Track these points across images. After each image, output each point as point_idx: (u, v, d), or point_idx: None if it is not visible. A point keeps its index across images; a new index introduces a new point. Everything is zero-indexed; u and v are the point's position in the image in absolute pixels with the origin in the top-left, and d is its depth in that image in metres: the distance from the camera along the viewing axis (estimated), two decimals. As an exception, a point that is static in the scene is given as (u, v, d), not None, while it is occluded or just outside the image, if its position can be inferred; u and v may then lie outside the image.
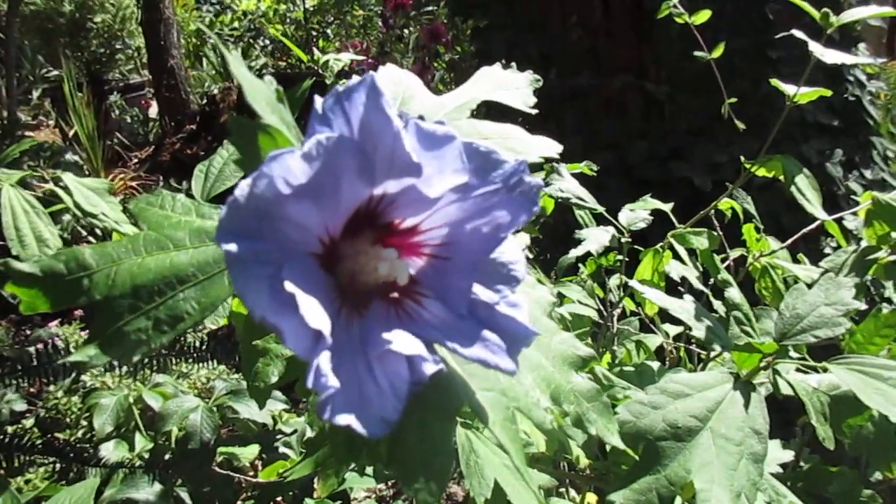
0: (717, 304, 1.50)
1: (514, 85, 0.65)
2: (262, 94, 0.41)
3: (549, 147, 0.58)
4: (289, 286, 0.36)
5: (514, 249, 0.45)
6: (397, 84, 0.61)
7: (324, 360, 0.37)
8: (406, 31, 5.47)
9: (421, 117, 0.41)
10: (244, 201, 0.36)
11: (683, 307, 0.90)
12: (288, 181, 0.36)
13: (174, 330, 0.48)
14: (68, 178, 1.38)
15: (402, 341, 0.39)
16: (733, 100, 1.60)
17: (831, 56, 1.11)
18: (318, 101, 0.39)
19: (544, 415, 0.48)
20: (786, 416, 1.50)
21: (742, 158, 1.32)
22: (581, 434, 1.13)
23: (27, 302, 0.51)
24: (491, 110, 1.66)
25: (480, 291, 0.44)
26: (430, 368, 0.39)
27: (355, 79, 0.39)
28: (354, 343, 0.41)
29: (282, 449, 2.04)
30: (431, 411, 0.43)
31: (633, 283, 0.99)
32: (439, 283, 0.44)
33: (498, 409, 0.44)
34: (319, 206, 0.39)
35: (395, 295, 0.45)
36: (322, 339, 0.36)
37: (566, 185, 1.55)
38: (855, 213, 1.58)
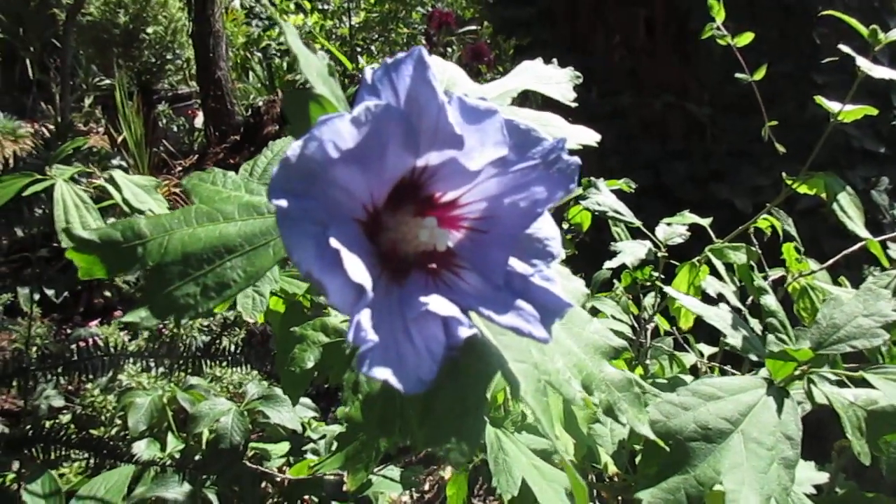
0: (754, 323, 1.48)
1: (554, 79, 0.66)
2: (314, 67, 0.43)
3: (588, 135, 0.59)
4: (334, 242, 0.37)
5: (550, 226, 0.47)
6: (442, 72, 0.63)
7: (364, 317, 0.38)
8: (449, 49, 5.54)
9: (465, 94, 0.43)
10: (295, 161, 0.38)
11: (719, 315, 0.90)
12: (337, 144, 0.38)
13: (220, 296, 0.50)
14: (118, 174, 1.43)
15: (439, 303, 0.41)
16: (774, 122, 1.59)
17: (879, 71, 1.10)
18: (368, 71, 0.41)
19: (574, 391, 0.49)
20: (823, 444, 1.48)
21: (784, 175, 1.32)
22: (610, 442, 1.13)
23: (85, 268, 0.54)
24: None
25: (516, 264, 0.45)
26: (464, 332, 0.41)
27: (403, 52, 0.41)
28: (393, 307, 0.42)
29: (309, 455, 2.06)
30: (465, 377, 0.44)
31: (668, 289, 0.99)
32: (477, 256, 0.46)
33: (530, 380, 0.45)
34: (365, 171, 0.40)
35: (434, 266, 0.46)
36: (364, 295, 0.38)
37: (603, 198, 1.56)
38: (898, 239, 1.55)
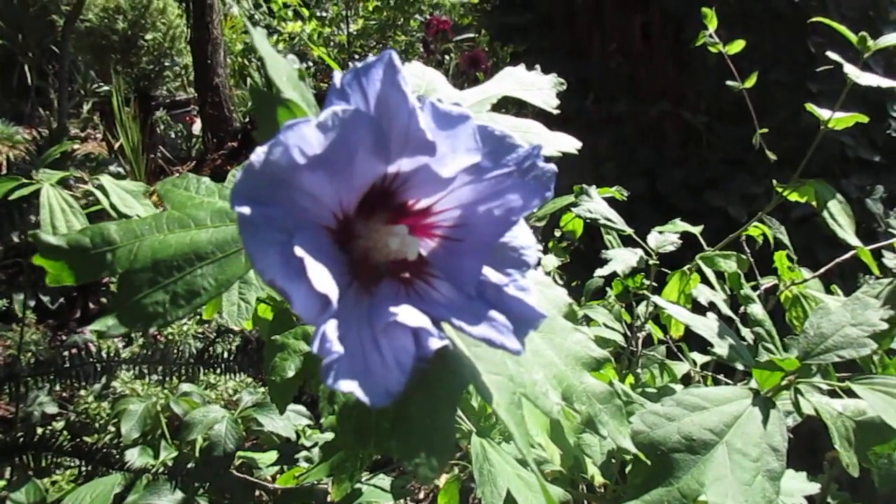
0: (746, 332, 1.47)
1: (537, 85, 0.65)
2: (283, 70, 0.42)
3: (567, 142, 0.59)
4: (298, 251, 0.36)
5: (526, 234, 0.46)
6: (420, 77, 0.62)
7: (330, 327, 0.37)
8: (447, 56, 5.54)
9: (439, 100, 0.42)
10: (259, 167, 0.37)
11: (707, 324, 0.89)
12: (303, 150, 0.37)
13: (190, 304, 0.49)
14: (106, 179, 1.42)
15: (408, 314, 0.40)
16: (764, 130, 1.59)
17: (866, 78, 1.10)
18: (338, 76, 0.40)
19: (551, 403, 0.48)
20: (817, 455, 1.46)
21: (774, 182, 1.31)
22: (599, 453, 1.12)
23: (53, 274, 0.53)
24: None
25: (490, 273, 0.44)
26: (435, 343, 0.40)
27: (374, 57, 0.40)
28: (362, 317, 0.41)
29: (301, 463, 2.04)
30: (436, 390, 0.43)
31: (656, 298, 0.98)
32: (450, 265, 0.45)
33: (504, 392, 0.44)
34: (333, 178, 0.39)
35: (406, 275, 0.45)
36: (329, 306, 0.37)
37: (595, 206, 1.55)
38: (893, 249, 1.54)
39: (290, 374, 0.78)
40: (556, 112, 0.63)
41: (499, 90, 0.63)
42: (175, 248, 0.50)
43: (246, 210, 0.36)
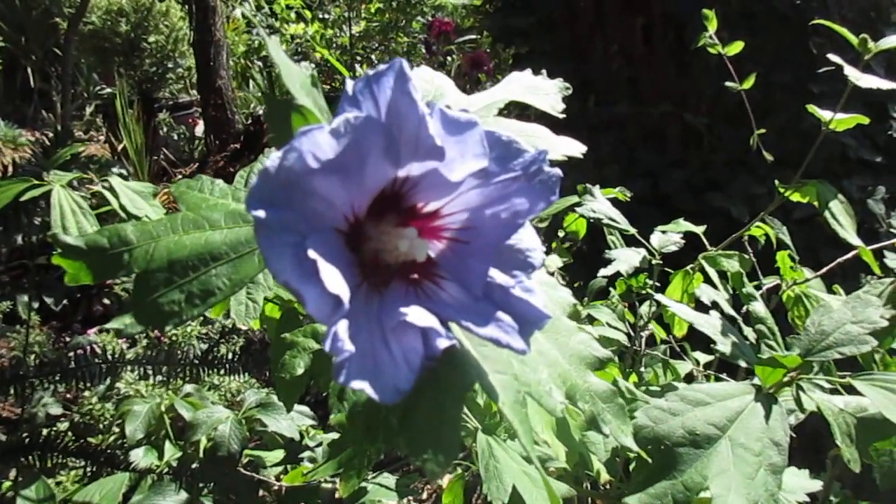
0: (748, 332, 1.48)
1: (543, 90, 0.67)
2: (297, 77, 0.43)
3: (573, 147, 0.60)
4: (311, 253, 0.38)
5: (531, 237, 0.47)
6: (429, 82, 0.63)
7: (341, 327, 0.38)
8: (449, 58, 5.56)
9: (448, 106, 0.44)
10: (274, 172, 0.38)
11: (710, 322, 0.90)
12: (316, 156, 0.39)
13: (205, 304, 0.50)
14: (115, 180, 1.44)
15: (417, 314, 0.41)
16: (762, 131, 1.59)
17: (867, 80, 1.11)
18: (350, 83, 0.41)
19: (555, 402, 0.49)
20: (819, 454, 1.47)
21: (777, 182, 1.32)
22: (604, 450, 1.13)
23: (72, 274, 0.54)
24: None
25: (497, 275, 0.45)
26: (443, 343, 0.41)
27: (384, 65, 0.41)
28: (372, 317, 0.43)
29: (305, 463, 2.05)
30: (444, 388, 0.44)
31: (660, 296, 1.00)
32: (457, 266, 0.46)
33: (509, 391, 0.45)
34: (345, 182, 0.41)
35: (415, 276, 0.46)
36: (341, 306, 0.38)
37: (598, 205, 1.56)
38: (894, 249, 1.55)
39: (300, 371, 0.80)
40: (561, 116, 0.65)
41: (506, 95, 0.64)
42: (190, 248, 0.51)
43: (261, 213, 0.38)
